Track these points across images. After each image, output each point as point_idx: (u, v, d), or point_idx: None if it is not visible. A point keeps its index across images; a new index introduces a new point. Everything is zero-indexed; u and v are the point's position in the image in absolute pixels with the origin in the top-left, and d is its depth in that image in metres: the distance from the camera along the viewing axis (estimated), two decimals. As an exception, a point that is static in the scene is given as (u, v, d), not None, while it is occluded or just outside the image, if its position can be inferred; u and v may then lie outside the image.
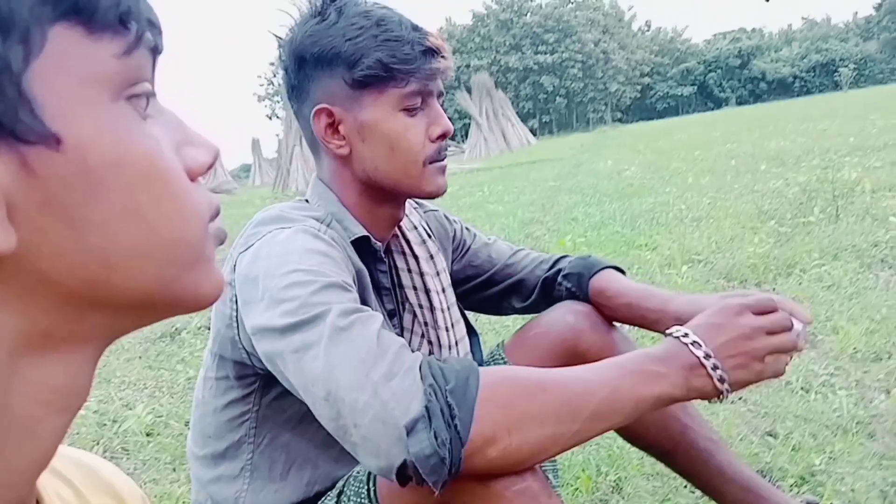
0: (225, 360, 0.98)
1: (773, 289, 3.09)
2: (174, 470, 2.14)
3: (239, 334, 0.93)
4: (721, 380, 0.82)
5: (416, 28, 0.98)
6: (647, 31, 63.79)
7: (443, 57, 0.99)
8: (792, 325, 0.88)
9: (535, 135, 35.08)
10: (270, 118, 74.00)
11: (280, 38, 1.03)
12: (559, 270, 1.25)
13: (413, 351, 0.81)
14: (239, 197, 21.07)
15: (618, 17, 50.68)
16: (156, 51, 0.36)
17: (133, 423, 2.47)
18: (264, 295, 0.84)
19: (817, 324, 2.58)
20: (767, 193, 5.55)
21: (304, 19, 1.00)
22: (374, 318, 0.83)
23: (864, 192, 4.83)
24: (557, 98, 45.77)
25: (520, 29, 45.17)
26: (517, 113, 31.46)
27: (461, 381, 0.75)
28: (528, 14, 45.58)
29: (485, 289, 1.30)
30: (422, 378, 0.76)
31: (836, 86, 56.44)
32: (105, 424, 2.57)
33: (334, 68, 0.96)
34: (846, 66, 58.45)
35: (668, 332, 0.87)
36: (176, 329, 3.77)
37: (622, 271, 1.24)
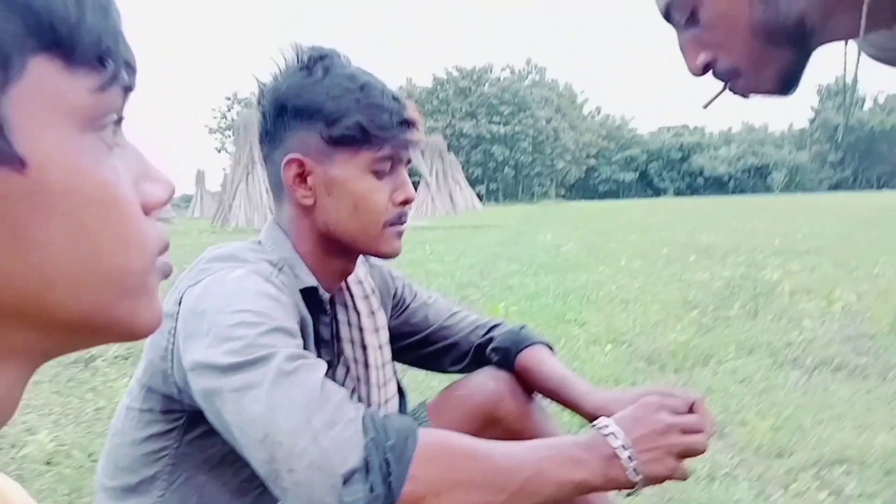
0: (153, 392, 0.97)
1: (690, 377, 3.21)
2: (71, 503, 2.04)
3: (172, 368, 0.93)
4: (635, 471, 0.85)
5: (396, 98, 1.03)
6: (597, 115, 66.48)
7: (417, 129, 1.05)
8: (704, 429, 0.93)
9: (481, 200, 35.70)
10: (220, 151, 73.09)
11: (263, 83, 1.06)
12: (491, 339, 1.29)
13: None
14: (176, 227, 20.56)
15: (571, 98, 52.77)
16: (128, 89, 0.37)
17: (34, 448, 2.35)
18: (210, 331, 0.85)
19: (727, 415, 2.69)
20: (694, 284, 5.78)
21: (290, 70, 1.04)
22: (319, 365, 0.85)
23: (783, 293, 5.10)
24: (506, 168, 46.94)
25: (477, 98, 46.50)
26: (466, 178, 32.06)
27: (401, 438, 0.78)
28: (487, 85, 47.04)
29: (420, 347, 1.33)
30: (364, 430, 0.78)
31: (768, 188, 59.70)
32: (2, 448, 2.44)
33: (313, 122, 1.00)
34: (779, 171, 62.03)
35: (592, 423, 0.91)
36: (91, 356, 3.62)
37: (551, 347, 1.29)
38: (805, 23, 0.82)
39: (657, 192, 61.69)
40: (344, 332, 1.14)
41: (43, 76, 0.33)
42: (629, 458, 0.85)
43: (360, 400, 1.13)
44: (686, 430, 0.90)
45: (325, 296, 1.06)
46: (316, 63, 1.02)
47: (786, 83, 0.88)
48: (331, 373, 1.11)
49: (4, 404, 0.36)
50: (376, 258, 1.18)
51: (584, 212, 25.99)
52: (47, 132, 0.33)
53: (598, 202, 44.36)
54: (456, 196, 28.27)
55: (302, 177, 1.02)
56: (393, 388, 1.19)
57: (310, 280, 1.03)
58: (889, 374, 3.13)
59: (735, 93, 0.92)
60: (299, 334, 0.92)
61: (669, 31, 0.94)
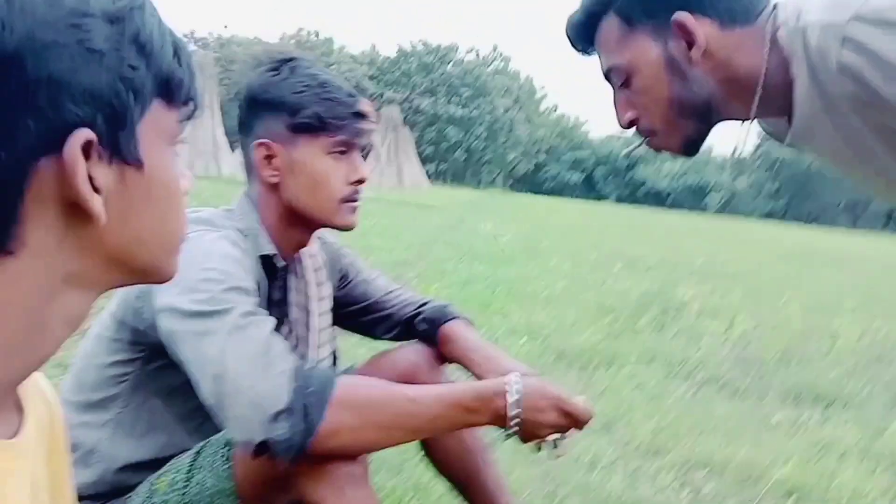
0: (124, 325, 1.15)
1: (592, 376, 3.51)
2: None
3: (144, 307, 1.11)
4: (514, 425, 1.09)
5: (350, 94, 1.24)
6: (554, 113, 67.42)
7: (369, 120, 1.25)
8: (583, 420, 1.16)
9: (429, 179, 35.85)
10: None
11: (238, 82, 1.26)
12: (418, 314, 1.50)
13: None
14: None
15: (531, 92, 53.38)
16: (193, 118, 0.58)
17: None
18: (179, 282, 1.03)
19: (618, 413, 2.99)
20: (613, 292, 6.15)
21: (262, 71, 1.25)
22: (268, 322, 1.05)
23: (691, 311, 5.49)
24: (458, 150, 47.22)
25: (439, 76, 46.51)
26: (418, 154, 32.13)
27: (320, 386, 0.99)
28: (451, 64, 47.06)
29: (359, 316, 1.53)
30: (291, 379, 0.98)
31: (704, 208, 61.78)
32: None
33: (279, 113, 1.20)
34: (717, 193, 64.28)
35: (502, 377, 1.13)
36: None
37: (471, 323, 1.51)
38: (711, 103, 1.03)
39: (600, 197, 63.13)
40: (292, 296, 1.33)
41: (156, 111, 0.54)
42: (515, 415, 1.09)
43: (298, 356, 1.33)
44: (569, 416, 1.13)
45: (281, 263, 1.26)
46: (283, 64, 1.24)
47: (689, 147, 1.10)
48: (277, 329, 1.31)
49: (81, 317, 0.55)
50: (331, 235, 1.38)
51: (528, 205, 26.49)
52: (154, 146, 0.54)
53: (543, 198, 45.18)
54: (405, 171, 28.37)
55: (269, 159, 1.21)
56: (328, 350, 1.40)
57: (269, 248, 1.23)
58: (766, 398, 3.51)
59: (650, 146, 1.14)
60: (256, 293, 1.12)
61: None
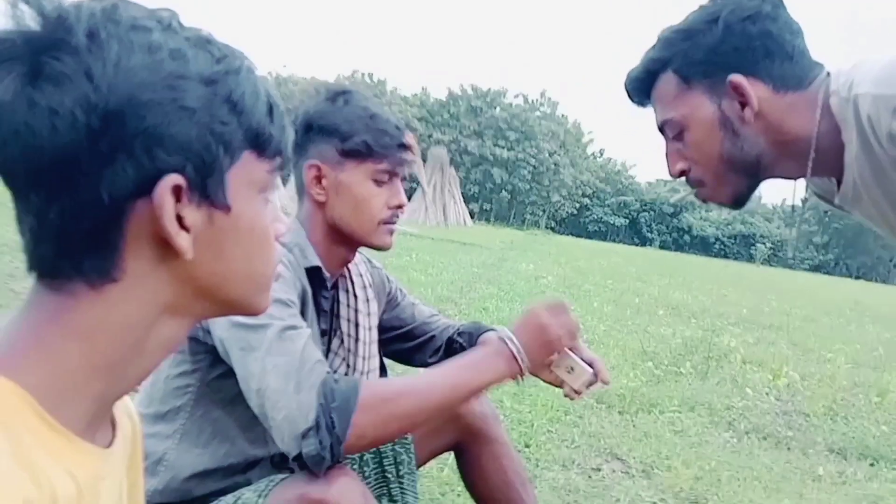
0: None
1: (633, 420, 3.50)
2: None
3: None
4: (524, 361, 1.20)
5: (398, 127, 1.35)
6: (599, 157, 67.34)
7: (412, 152, 1.35)
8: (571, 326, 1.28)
9: (472, 218, 36.05)
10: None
11: (293, 109, 1.37)
12: (457, 329, 1.59)
13: (331, 367, 1.13)
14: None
15: (577, 136, 53.50)
16: (282, 170, 0.66)
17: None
18: None
19: (659, 459, 2.98)
20: (655, 337, 6.09)
21: (318, 99, 1.36)
22: (303, 334, 1.14)
23: (735, 360, 5.42)
24: (503, 191, 47.42)
25: (486, 119, 47.05)
26: (462, 194, 32.41)
27: (344, 399, 1.08)
28: (498, 108, 47.58)
29: (403, 340, 1.62)
30: (317, 396, 1.08)
31: (751, 257, 60.53)
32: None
33: (331, 138, 1.31)
34: (763, 244, 63.05)
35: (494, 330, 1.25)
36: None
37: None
38: (760, 161, 1.09)
39: (644, 242, 62.43)
40: (342, 310, 1.43)
41: (246, 161, 0.60)
42: (519, 352, 1.20)
43: (347, 366, 1.42)
44: (558, 328, 1.25)
45: (328, 276, 1.36)
46: (339, 96, 1.35)
47: (737, 201, 1.16)
48: (326, 340, 1.41)
49: (176, 342, 0.62)
50: (376, 261, 1.52)
51: (570, 247, 26.39)
52: (242, 192, 0.60)
53: (586, 241, 44.90)
54: (449, 209, 28.59)
55: (318, 179, 1.33)
56: (376, 363, 1.48)
57: (315, 262, 1.33)
58: (810, 451, 3.44)
59: (698, 198, 1.20)
60: (296, 304, 1.22)
61: None
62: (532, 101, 50.48)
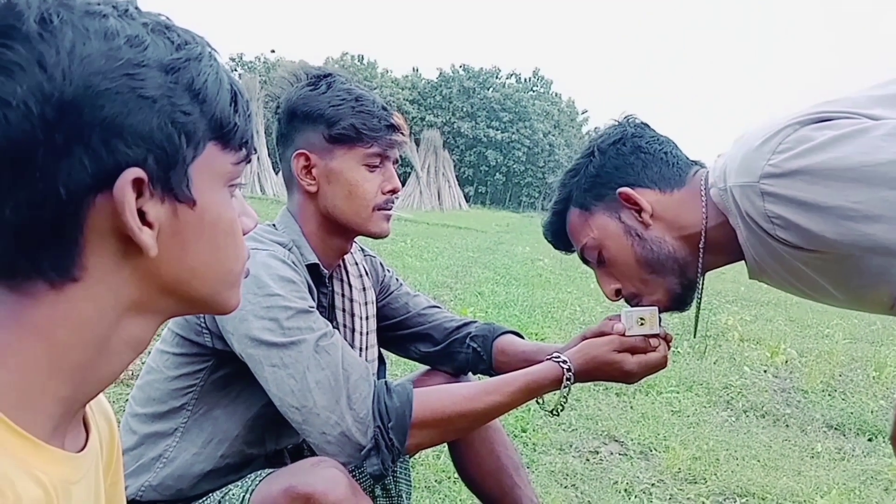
0: (185, 340, 1.22)
1: (630, 401, 3.50)
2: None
3: (204, 320, 1.17)
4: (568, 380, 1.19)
5: (384, 108, 1.30)
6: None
7: (401, 133, 1.31)
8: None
9: (468, 201, 35.94)
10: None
11: (278, 97, 1.32)
12: (468, 333, 1.53)
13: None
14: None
15: (571, 115, 53.22)
16: (248, 162, 0.63)
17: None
18: (244, 307, 1.10)
19: (656, 440, 2.97)
20: (653, 317, 6.08)
21: (300, 85, 1.31)
22: (336, 343, 1.12)
23: (733, 339, 5.42)
24: (497, 174, 47.30)
25: (479, 100, 46.78)
26: (457, 177, 32.30)
27: (399, 417, 1.09)
28: (491, 89, 47.33)
29: (396, 329, 1.58)
30: (373, 414, 1.08)
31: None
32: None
33: (317, 125, 1.26)
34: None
35: (550, 357, 1.23)
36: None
37: (521, 335, 1.55)
38: (676, 258, 1.16)
39: (640, 221, 62.31)
40: (338, 301, 1.39)
41: (211, 153, 0.58)
42: (569, 379, 1.20)
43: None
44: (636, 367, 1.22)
45: (325, 272, 1.32)
46: (321, 80, 1.30)
47: (675, 300, 1.21)
48: None
49: (143, 342, 0.60)
50: (369, 249, 1.48)
51: (566, 229, 26.30)
52: (207, 186, 0.58)
53: (582, 222, 44.75)
54: (444, 193, 28.51)
55: (308, 168, 1.28)
56: (374, 353, 1.45)
57: (312, 258, 1.29)
58: (808, 428, 3.44)
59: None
60: (315, 307, 1.18)
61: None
62: (525, 79, 50.24)
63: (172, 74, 0.53)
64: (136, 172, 0.51)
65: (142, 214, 0.53)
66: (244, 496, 1.09)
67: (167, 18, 0.57)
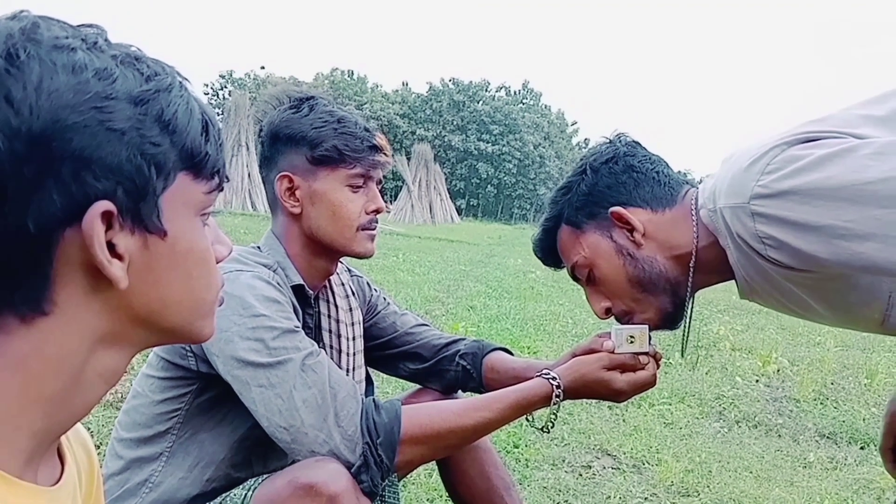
0: (170, 364, 1.21)
1: (623, 413, 3.49)
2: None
3: (189, 344, 1.17)
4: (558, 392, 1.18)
5: (367, 129, 1.31)
6: (585, 147, 67.45)
7: (384, 153, 1.31)
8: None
9: (460, 214, 36.00)
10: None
11: (261, 120, 1.33)
12: (457, 351, 1.53)
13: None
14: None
15: (561, 127, 53.50)
16: (220, 191, 0.63)
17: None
18: (230, 328, 1.10)
19: (649, 452, 2.97)
20: (645, 328, 6.08)
21: (282, 108, 1.31)
22: (322, 361, 1.12)
23: (724, 349, 5.42)
24: (489, 186, 47.40)
25: (469, 113, 46.98)
26: (449, 190, 32.34)
27: (387, 433, 1.08)
28: (481, 102, 47.53)
29: (384, 349, 1.57)
30: (361, 431, 1.08)
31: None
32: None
33: (300, 147, 1.27)
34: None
35: (539, 373, 1.23)
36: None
37: (510, 352, 1.55)
38: (667, 277, 1.16)
39: (632, 231, 62.45)
40: (324, 322, 1.39)
41: (182, 183, 0.58)
42: (559, 396, 1.18)
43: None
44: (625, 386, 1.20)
45: (311, 293, 1.32)
46: (303, 102, 1.31)
47: (666, 319, 1.20)
48: None
49: (117, 373, 0.60)
50: (356, 270, 1.47)
51: (558, 241, 26.34)
52: (178, 216, 0.58)
53: (574, 233, 44.82)
54: (436, 206, 28.53)
55: (291, 190, 1.28)
56: (361, 374, 1.44)
57: (297, 279, 1.29)
58: (800, 437, 3.44)
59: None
60: (300, 327, 1.18)
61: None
62: (515, 92, 50.50)
63: (141, 106, 0.53)
64: (104, 205, 0.51)
65: (112, 246, 0.52)
66: (245, 494, 1.10)
67: (137, 49, 0.57)
